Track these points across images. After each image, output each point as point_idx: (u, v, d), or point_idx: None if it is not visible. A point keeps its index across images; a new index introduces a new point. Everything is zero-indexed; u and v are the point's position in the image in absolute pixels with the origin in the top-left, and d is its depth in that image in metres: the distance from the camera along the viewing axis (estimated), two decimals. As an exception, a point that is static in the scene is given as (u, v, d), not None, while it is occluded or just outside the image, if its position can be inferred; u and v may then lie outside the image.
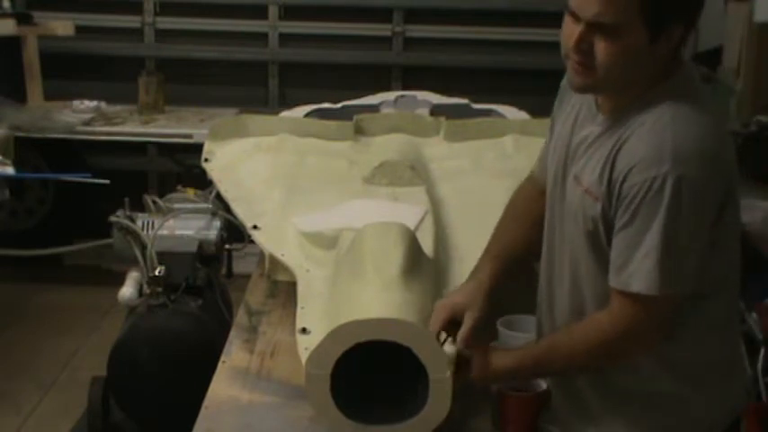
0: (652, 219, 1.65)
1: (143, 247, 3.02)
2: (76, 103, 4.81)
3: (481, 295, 1.95)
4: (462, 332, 1.90)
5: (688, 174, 1.63)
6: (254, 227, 2.67)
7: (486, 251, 2.06)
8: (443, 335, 1.94)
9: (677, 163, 1.63)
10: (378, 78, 5.32)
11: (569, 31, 1.69)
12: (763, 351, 2.96)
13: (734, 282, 1.84)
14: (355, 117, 3.32)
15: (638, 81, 1.72)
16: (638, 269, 1.68)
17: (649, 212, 1.65)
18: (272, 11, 5.39)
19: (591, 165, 1.76)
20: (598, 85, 1.72)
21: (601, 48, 1.66)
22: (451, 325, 1.93)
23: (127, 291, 3.03)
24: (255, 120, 3.30)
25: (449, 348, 1.92)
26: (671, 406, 1.80)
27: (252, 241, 2.74)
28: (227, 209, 2.96)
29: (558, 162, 1.88)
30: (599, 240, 1.76)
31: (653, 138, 1.66)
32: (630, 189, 1.67)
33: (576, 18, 1.68)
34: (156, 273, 2.96)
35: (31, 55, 4.92)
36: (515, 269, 2.04)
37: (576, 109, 1.86)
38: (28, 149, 4.63)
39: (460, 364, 1.89)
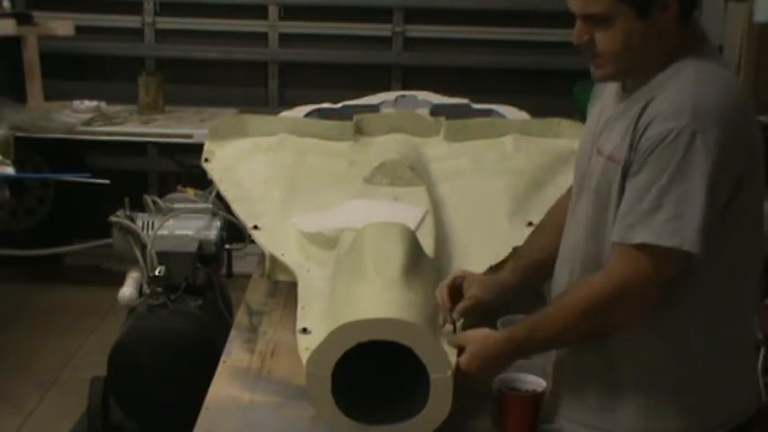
0: (662, 170, 1.64)
1: (143, 247, 3.02)
2: (76, 103, 4.81)
3: (495, 284, 2.07)
4: (460, 305, 2.03)
5: (705, 130, 1.62)
6: (255, 227, 2.68)
7: (512, 254, 2.16)
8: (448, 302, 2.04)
9: (696, 119, 1.63)
10: (378, 78, 5.33)
11: (575, 29, 1.75)
12: (763, 351, 2.96)
13: (749, 276, 1.79)
14: (355, 117, 3.32)
15: (655, 56, 1.73)
16: (641, 219, 1.65)
17: (660, 163, 1.64)
18: (272, 11, 5.39)
19: (614, 134, 1.75)
20: (618, 71, 1.76)
21: (600, 37, 1.72)
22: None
23: (127, 291, 3.03)
24: (255, 120, 3.30)
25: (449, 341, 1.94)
26: (670, 401, 1.77)
27: (252, 241, 2.74)
28: (228, 209, 2.96)
29: (583, 151, 1.88)
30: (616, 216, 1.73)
31: (676, 94, 1.67)
32: (647, 141, 1.66)
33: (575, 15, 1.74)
34: (156, 273, 2.96)
35: (31, 55, 4.92)
36: (537, 271, 2.06)
37: (603, 101, 1.87)
38: (28, 149, 4.64)
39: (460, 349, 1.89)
